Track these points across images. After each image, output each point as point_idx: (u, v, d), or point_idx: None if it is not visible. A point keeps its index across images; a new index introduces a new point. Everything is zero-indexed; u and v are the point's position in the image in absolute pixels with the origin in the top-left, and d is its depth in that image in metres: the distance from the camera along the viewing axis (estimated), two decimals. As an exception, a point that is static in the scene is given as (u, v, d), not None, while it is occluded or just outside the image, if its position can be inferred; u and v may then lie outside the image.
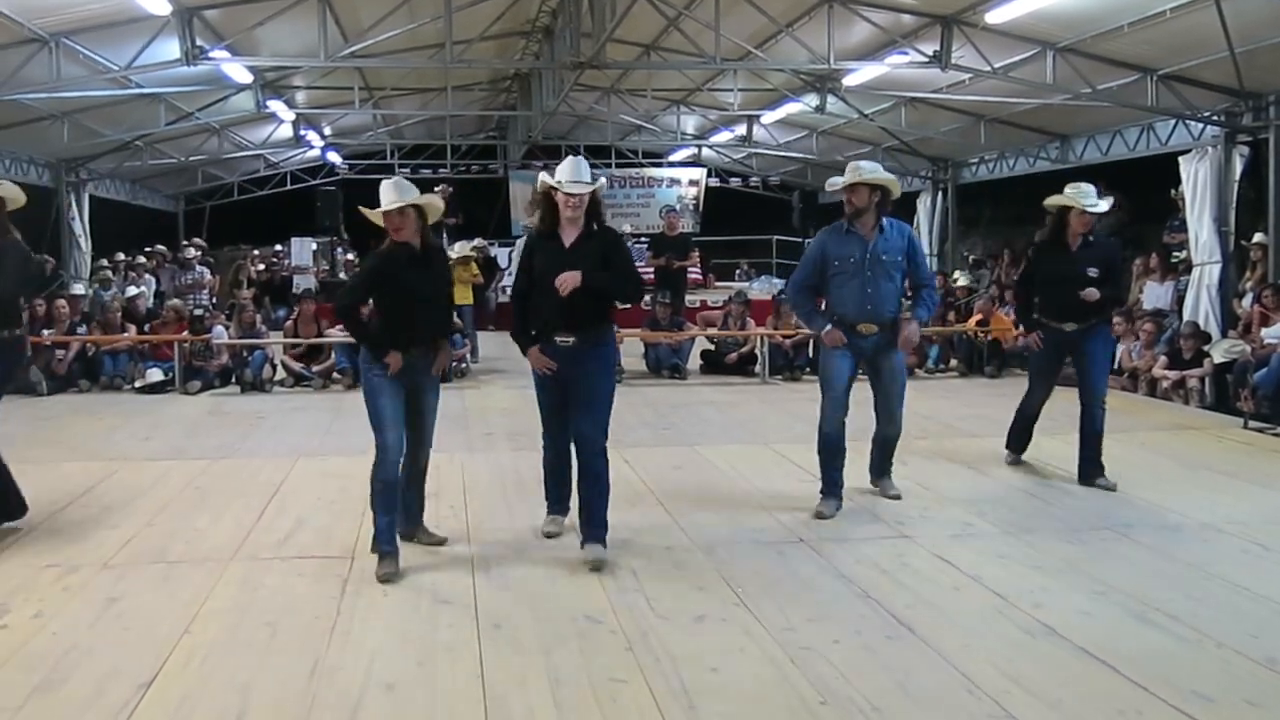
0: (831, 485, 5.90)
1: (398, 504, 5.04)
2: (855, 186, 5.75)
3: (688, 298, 14.47)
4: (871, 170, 5.84)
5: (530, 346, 5.17)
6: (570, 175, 5.03)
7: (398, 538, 4.99)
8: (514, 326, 5.34)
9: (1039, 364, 6.87)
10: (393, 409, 4.92)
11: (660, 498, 6.20)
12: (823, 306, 6.04)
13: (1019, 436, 7.10)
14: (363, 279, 5.19)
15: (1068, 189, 6.51)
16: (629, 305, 6.02)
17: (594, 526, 5.06)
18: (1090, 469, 6.46)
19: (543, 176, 5.19)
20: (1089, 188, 6.44)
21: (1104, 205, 6.49)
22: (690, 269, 15.22)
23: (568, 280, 4.90)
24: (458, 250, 13.22)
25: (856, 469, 6.09)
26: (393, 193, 4.91)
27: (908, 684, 3.65)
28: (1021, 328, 7.56)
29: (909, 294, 6.12)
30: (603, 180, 5.35)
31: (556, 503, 5.52)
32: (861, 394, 5.98)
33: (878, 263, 5.76)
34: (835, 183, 5.92)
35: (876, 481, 6.29)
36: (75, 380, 10.85)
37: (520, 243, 18.11)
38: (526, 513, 5.84)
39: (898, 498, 6.12)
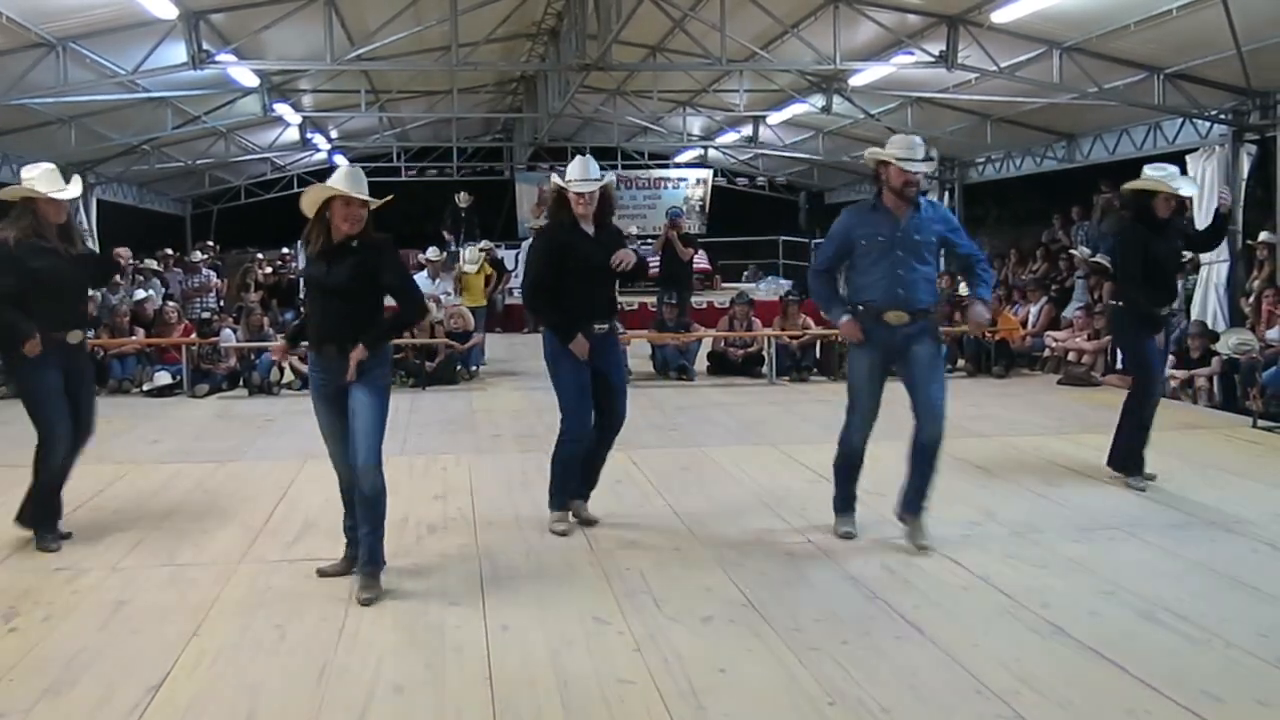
0: (848, 501, 5.45)
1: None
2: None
3: (694, 299, 14.45)
4: (923, 152, 5.12)
5: (575, 334, 5.31)
6: (580, 174, 5.35)
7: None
8: (552, 319, 5.41)
9: None
10: (327, 420, 4.67)
11: (668, 499, 6.21)
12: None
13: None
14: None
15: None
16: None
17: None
18: None
19: (554, 178, 5.56)
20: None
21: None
22: (697, 260, 15.24)
23: (626, 256, 5.34)
24: (469, 257, 13.27)
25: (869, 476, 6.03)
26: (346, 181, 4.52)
27: (916, 685, 3.64)
28: None
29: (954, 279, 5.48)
30: (610, 177, 5.63)
31: (582, 488, 5.68)
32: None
33: (909, 243, 5.07)
34: (911, 148, 5.07)
35: (906, 517, 5.26)
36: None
37: (531, 242, 18.32)
38: (534, 515, 5.85)
39: (925, 549, 5.10)
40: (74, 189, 5.40)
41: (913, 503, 5.23)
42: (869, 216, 5.19)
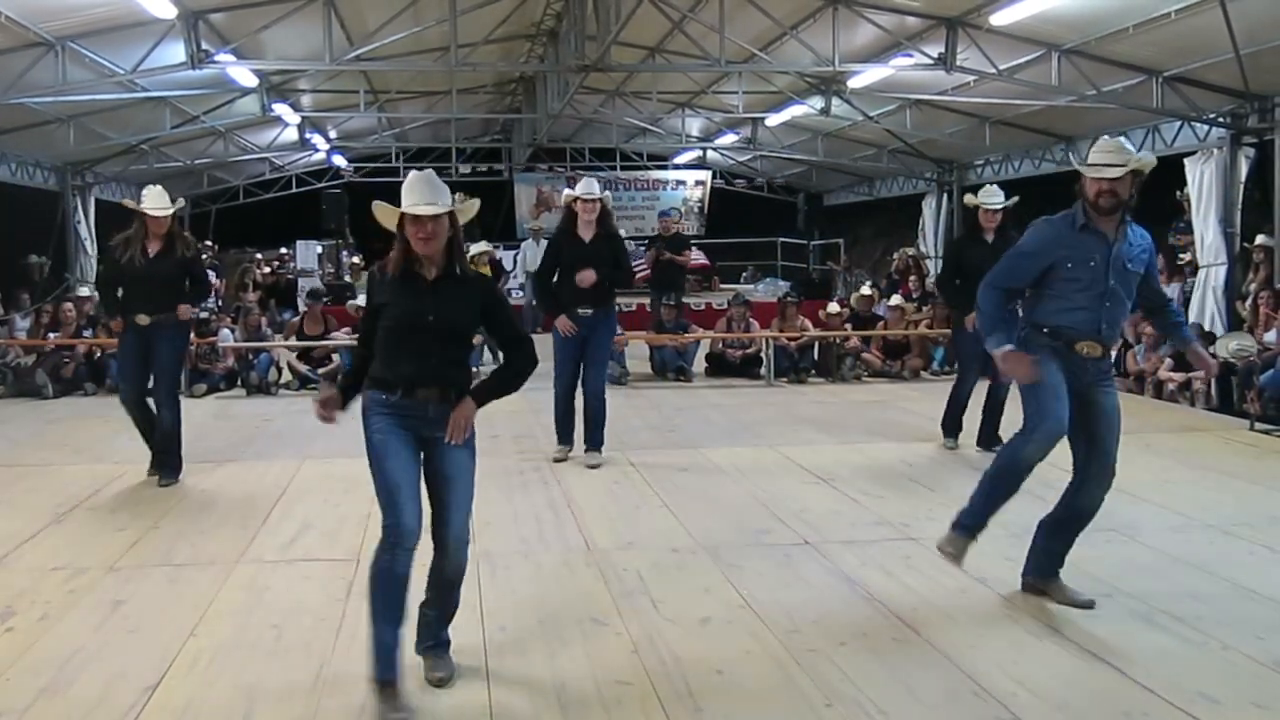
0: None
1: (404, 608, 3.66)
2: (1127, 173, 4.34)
3: (693, 300, 14.43)
4: (1141, 155, 4.44)
5: (559, 314, 6.98)
6: (585, 189, 7.05)
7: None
8: (543, 300, 7.36)
9: None
10: (404, 470, 3.77)
11: (665, 500, 6.21)
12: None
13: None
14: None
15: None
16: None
17: (594, 443, 7.17)
18: None
19: (567, 191, 7.30)
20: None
21: None
22: (694, 258, 15.21)
23: (587, 278, 6.87)
24: (474, 250, 13.31)
25: (864, 477, 6.00)
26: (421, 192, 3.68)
27: (914, 686, 3.64)
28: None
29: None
30: (608, 194, 7.32)
31: (567, 435, 7.27)
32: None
33: (1122, 271, 4.42)
34: (1102, 160, 4.44)
35: (1040, 583, 4.55)
36: (81, 383, 10.86)
37: (532, 242, 18.39)
38: (531, 515, 5.85)
39: (1090, 605, 4.40)
40: (174, 205, 6.80)
41: (1047, 567, 4.56)
42: (1077, 236, 4.52)
